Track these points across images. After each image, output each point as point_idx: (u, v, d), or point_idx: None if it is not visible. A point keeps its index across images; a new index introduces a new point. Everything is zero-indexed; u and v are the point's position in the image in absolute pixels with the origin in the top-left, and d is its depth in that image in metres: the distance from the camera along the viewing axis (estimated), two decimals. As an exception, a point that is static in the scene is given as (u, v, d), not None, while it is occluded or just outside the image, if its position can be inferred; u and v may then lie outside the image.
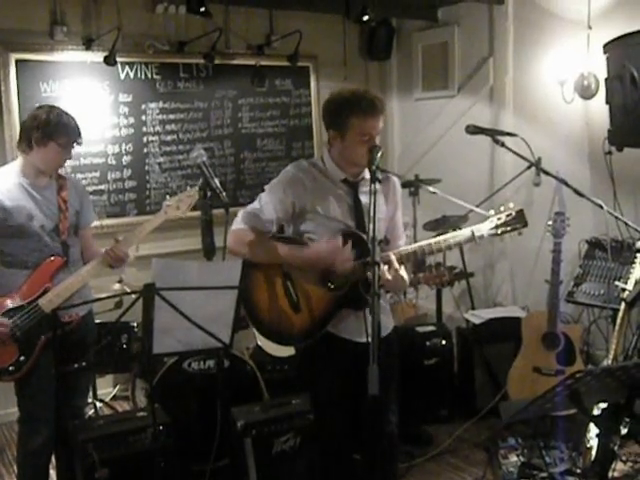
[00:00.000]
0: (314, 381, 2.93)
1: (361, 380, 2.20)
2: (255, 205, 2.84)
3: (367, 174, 2.76)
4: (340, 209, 2.77)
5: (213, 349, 2.95)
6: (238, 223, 2.85)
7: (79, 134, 3.19)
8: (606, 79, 4.03)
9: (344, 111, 2.70)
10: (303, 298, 2.79)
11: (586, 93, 4.65)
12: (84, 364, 3.37)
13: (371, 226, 2.38)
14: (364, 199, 2.76)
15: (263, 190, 2.87)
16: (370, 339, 2.20)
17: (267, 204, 2.80)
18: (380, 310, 2.75)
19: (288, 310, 2.80)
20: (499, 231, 2.74)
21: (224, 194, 3.14)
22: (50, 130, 3.09)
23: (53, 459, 3.46)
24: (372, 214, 2.40)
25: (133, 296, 2.91)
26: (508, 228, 2.74)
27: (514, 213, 2.75)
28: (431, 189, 2.90)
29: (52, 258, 3.18)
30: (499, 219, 2.74)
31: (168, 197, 3.29)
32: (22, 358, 3.12)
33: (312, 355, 2.85)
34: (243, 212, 2.87)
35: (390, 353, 2.84)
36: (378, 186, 2.78)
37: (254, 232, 2.81)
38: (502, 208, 2.76)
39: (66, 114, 3.18)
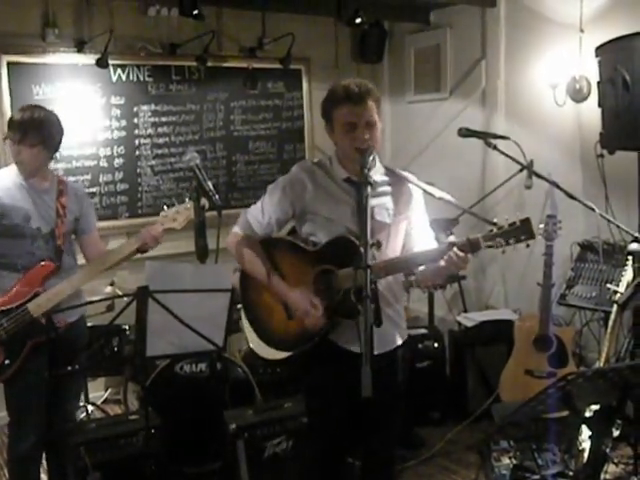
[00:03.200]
0: (308, 384, 2.89)
1: (356, 387, 2.18)
2: (257, 205, 2.80)
3: (375, 175, 2.68)
4: (342, 211, 2.66)
5: (206, 352, 2.94)
6: (237, 226, 2.82)
7: (25, 131, 3.08)
8: (598, 82, 4.04)
9: (328, 102, 2.65)
10: None
11: (578, 96, 4.67)
12: (77, 367, 3.35)
13: (367, 229, 2.35)
14: (370, 201, 2.55)
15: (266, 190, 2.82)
16: (363, 343, 2.18)
17: (267, 204, 2.76)
18: (388, 321, 2.72)
19: (282, 315, 2.76)
20: (498, 243, 2.48)
21: (217, 197, 3.12)
22: (9, 124, 3.11)
23: (44, 463, 3.45)
24: (366, 217, 2.37)
25: (125, 299, 2.90)
26: (511, 241, 2.47)
27: (518, 223, 2.48)
28: (437, 195, 2.78)
29: (44, 262, 3.16)
30: (500, 229, 2.49)
31: (166, 207, 3.26)
32: (7, 362, 3.10)
33: (308, 359, 2.80)
34: (244, 213, 2.83)
35: (394, 369, 2.78)
36: (389, 189, 2.75)
37: (248, 242, 2.77)
38: (507, 217, 2.52)
39: (43, 114, 3.13)
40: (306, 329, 2.69)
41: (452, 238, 2.54)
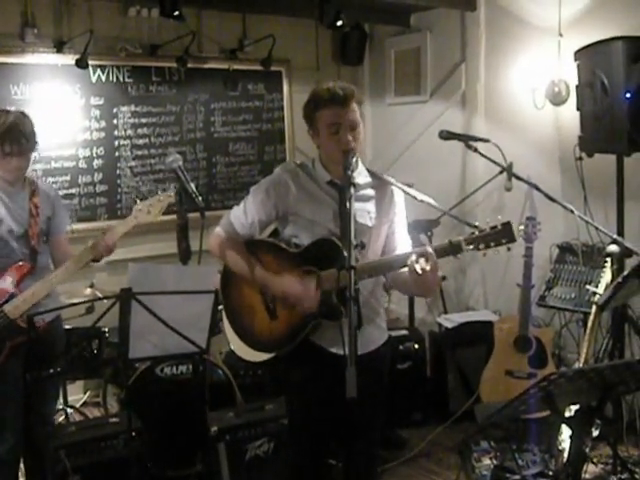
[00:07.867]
0: (289, 385, 2.89)
1: (338, 389, 2.19)
2: (240, 207, 2.80)
3: (359, 178, 2.68)
4: (324, 213, 2.68)
5: (189, 353, 2.93)
6: (219, 227, 2.83)
7: (23, 139, 3.04)
8: (577, 86, 4.09)
9: (311, 105, 2.66)
10: (279, 304, 2.73)
11: (557, 99, 4.70)
12: (59, 369, 3.32)
13: (350, 231, 2.36)
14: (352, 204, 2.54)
15: (248, 192, 2.82)
16: (347, 344, 2.19)
17: (250, 206, 2.76)
18: (368, 322, 2.72)
19: (264, 315, 2.76)
20: (480, 246, 2.48)
21: (200, 198, 3.12)
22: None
23: (22, 467, 3.41)
24: (349, 219, 2.38)
25: (106, 301, 2.88)
26: (492, 243, 2.48)
27: (500, 226, 2.48)
28: (419, 198, 2.79)
29: (20, 263, 3.12)
30: (481, 231, 2.49)
31: (138, 201, 3.24)
32: None
33: (289, 360, 2.80)
34: (226, 216, 2.83)
35: (377, 369, 2.78)
36: (372, 192, 2.75)
37: (231, 242, 2.77)
38: (488, 220, 2.52)
39: (21, 118, 3.07)
40: (288, 328, 2.70)
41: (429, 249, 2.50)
